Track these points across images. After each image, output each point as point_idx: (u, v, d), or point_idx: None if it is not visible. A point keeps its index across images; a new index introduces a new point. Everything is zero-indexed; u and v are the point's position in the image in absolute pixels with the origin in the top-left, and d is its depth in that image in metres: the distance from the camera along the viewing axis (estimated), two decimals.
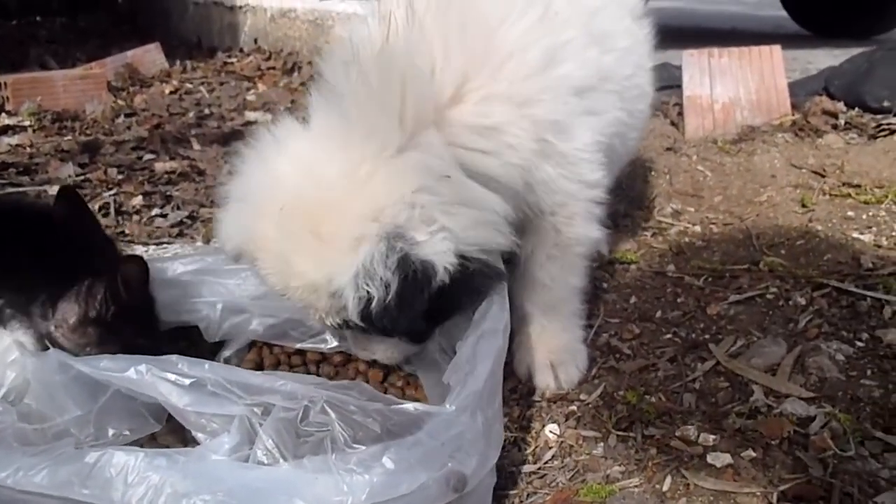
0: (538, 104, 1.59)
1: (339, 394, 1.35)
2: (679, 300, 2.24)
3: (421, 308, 1.45)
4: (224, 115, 4.68)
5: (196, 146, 4.03)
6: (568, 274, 1.89)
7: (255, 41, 6.23)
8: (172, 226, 2.93)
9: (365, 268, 1.39)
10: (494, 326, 1.48)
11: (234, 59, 6.04)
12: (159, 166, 3.65)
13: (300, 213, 1.46)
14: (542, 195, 1.69)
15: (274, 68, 5.69)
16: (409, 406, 1.34)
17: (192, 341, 1.81)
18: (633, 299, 2.26)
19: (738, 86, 3.47)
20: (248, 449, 1.30)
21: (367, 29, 1.60)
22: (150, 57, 5.52)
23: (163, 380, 1.36)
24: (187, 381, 1.36)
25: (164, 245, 2.67)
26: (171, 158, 3.81)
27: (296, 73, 5.56)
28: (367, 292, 1.39)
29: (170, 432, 1.51)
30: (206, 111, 4.72)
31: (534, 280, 1.86)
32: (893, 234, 2.48)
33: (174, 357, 1.39)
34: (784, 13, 7.69)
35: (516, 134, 1.55)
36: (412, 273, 1.40)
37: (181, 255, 2.01)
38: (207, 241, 2.61)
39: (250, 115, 4.63)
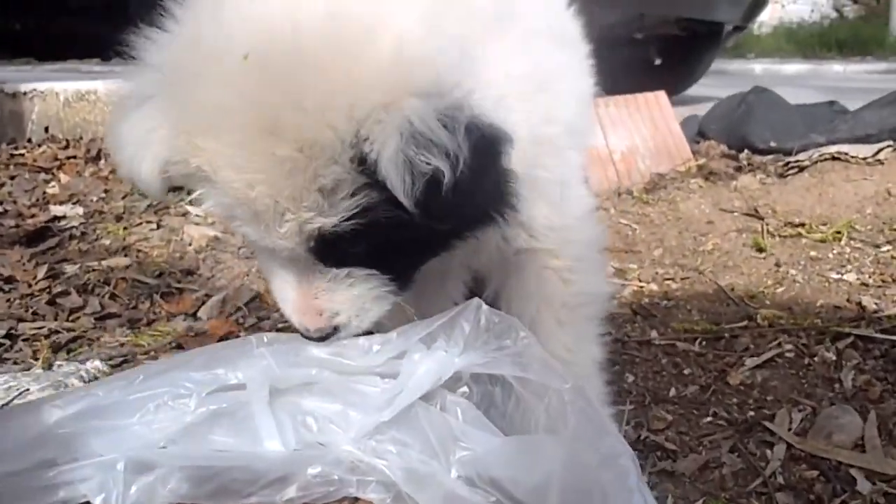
0: None
1: None
2: (686, 372, 1.82)
3: (496, 188, 1.08)
4: (22, 212, 3.85)
5: None
6: (586, 345, 1.46)
7: (46, 129, 5.38)
8: None
9: (415, 129, 0.96)
10: None
11: (23, 151, 5.15)
12: None
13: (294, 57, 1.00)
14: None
15: (75, 157, 4.87)
16: None
17: None
18: (629, 377, 1.81)
19: (633, 134, 3.22)
20: None
21: None
22: None
23: None
24: None
25: None
26: None
27: (102, 161, 4.78)
28: (426, 163, 0.96)
29: None
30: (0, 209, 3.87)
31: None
32: (873, 271, 2.22)
33: None
34: None
35: None
36: (484, 138, 1.00)
37: (52, 396, 1.36)
38: (48, 366, 1.89)
39: (56, 210, 3.85)
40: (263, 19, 1.03)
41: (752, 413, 1.63)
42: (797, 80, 11.29)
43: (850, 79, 12.91)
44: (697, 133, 3.75)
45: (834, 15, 20.56)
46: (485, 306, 1.19)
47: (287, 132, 0.99)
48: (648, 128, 3.24)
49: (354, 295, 1.17)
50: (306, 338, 1.21)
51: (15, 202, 4.01)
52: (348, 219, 1.03)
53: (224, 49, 1.02)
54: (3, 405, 1.59)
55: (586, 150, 1.56)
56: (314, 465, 1.26)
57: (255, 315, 2.35)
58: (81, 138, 5.14)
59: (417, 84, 0.99)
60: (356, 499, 1.29)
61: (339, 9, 1.03)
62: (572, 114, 1.33)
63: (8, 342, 2.21)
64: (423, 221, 1.00)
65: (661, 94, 3.35)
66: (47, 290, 2.61)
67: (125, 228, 3.42)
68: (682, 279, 2.32)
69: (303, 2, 1.04)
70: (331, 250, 1.10)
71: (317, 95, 0.98)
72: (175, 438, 1.21)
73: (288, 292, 1.19)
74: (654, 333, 2.00)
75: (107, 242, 3.26)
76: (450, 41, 1.05)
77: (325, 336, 1.20)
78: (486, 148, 1.00)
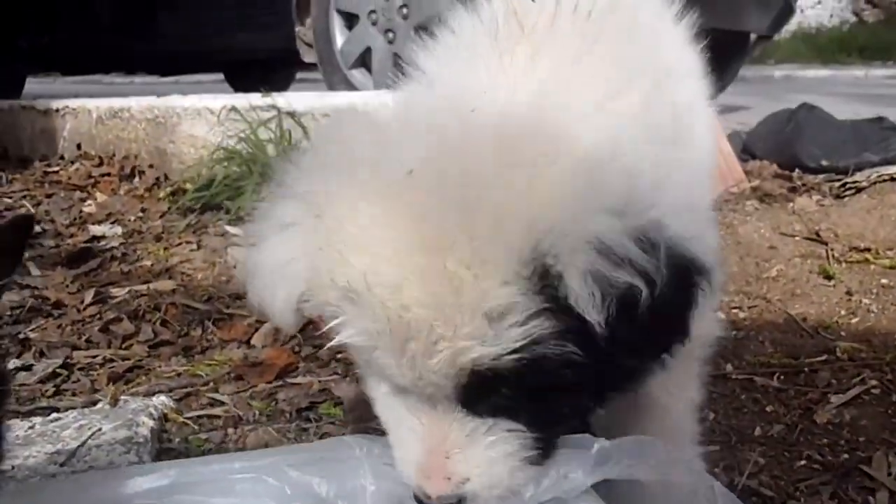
0: None
1: None
2: (769, 409, 1.77)
3: (684, 322, 0.95)
4: (61, 231, 3.85)
5: (35, 271, 3.20)
6: (688, 386, 1.39)
7: (79, 146, 5.37)
8: (42, 381, 2.13)
9: (606, 246, 0.87)
10: None
11: (56, 168, 5.16)
12: None
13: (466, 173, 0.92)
14: None
15: (109, 174, 4.87)
16: None
17: None
18: (710, 414, 1.76)
19: None
20: None
21: None
22: None
23: None
24: None
25: (47, 412, 1.87)
26: (8, 290, 2.94)
27: (137, 179, 4.77)
28: (619, 279, 0.87)
29: None
30: (37, 228, 3.85)
31: (647, 400, 1.33)
32: None
33: None
34: None
35: None
36: (684, 263, 0.91)
37: (130, 470, 1.32)
38: (115, 401, 1.85)
39: (95, 230, 3.83)
40: (429, 136, 0.97)
41: (846, 455, 1.57)
42: (818, 87, 11.21)
43: (872, 84, 12.82)
44: (743, 150, 3.69)
45: (853, 19, 20.40)
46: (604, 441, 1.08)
47: (454, 248, 0.89)
48: None
49: (491, 458, 0.98)
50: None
51: (53, 221, 4.00)
52: (514, 352, 0.89)
53: (385, 167, 0.94)
54: (78, 446, 1.56)
55: None
56: None
57: (311, 344, 2.31)
58: (114, 155, 5.13)
59: (608, 202, 0.89)
60: None
61: (517, 123, 0.97)
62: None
63: (65, 372, 2.18)
64: (606, 349, 0.88)
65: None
66: (97, 315, 2.59)
67: (166, 249, 3.40)
68: (749, 308, 2.27)
69: (474, 117, 0.98)
70: (481, 393, 0.95)
71: (491, 208, 0.88)
72: None
73: (413, 445, 1.01)
74: (729, 367, 1.94)
75: (148, 263, 3.23)
76: (641, 162, 0.97)
77: None
78: (685, 274, 0.91)
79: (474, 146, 0.94)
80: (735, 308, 2.28)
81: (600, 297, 0.86)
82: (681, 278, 0.89)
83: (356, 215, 0.93)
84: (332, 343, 1.00)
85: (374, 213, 0.92)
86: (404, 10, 4.73)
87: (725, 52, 6.81)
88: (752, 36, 7.08)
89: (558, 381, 0.93)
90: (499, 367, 0.90)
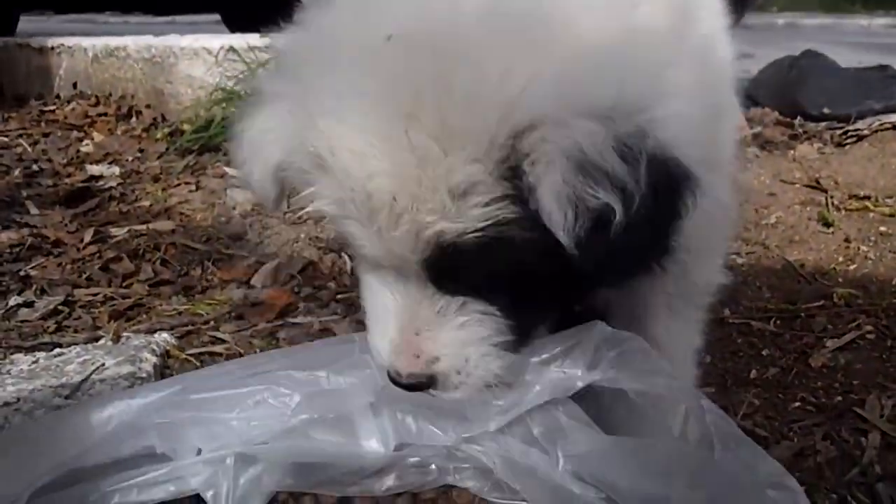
0: None
1: None
2: (764, 353, 1.78)
3: (666, 237, 0.94)
4: (58, 170, 3.83)
5: (34, 210, 3.19)
6: (689, 331, 1.41)
7: (75, 86, 5.32)
8: (43, 317, 2.14)
9: (586, 157, 0.84)
10: None
11: (52, 107, 5.11)
12: None
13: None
14: None
15: (105, 114, 4.83)
16: None
17: None
18: (707, 357, 1.78)
19: None
20: None
21: None
22: None
23: None
24: None
25: (50, 347, 1.88)
26: (6, 227, 2.95)
27: (134, 119, 4.73)
28: (594, 197, 0.84)
29: None
30: (35, 168, 3.84)
31: (647, 339, 1.32)
32: None
33: None
34: None
35: None
36: (668, 175, 0.88)
37: (136, 392, 1.33)
38: (117, 338, 1.86)
39: (93, 169, 3.81)
40: (415, 3, 0.94)
41: (839, 398, 1.59)
42: (821, 35, 11.09)
43: (875, 33, 12.68)
44: (745, 97, 3.66)
45: None
46: (608, 329, 1.12)
47: (426, 117, 0.86)
48: None
49: (462, 339, 1.00)
50: (394, 382, 1.05)
51: (50, 160, 3.99)
52: (477, 231, 0.89)
53: (364, 32, 0.92)
54: (83, 380, 1.58)
55: None
56: (412, 456, 1.24)
57: (311, 285, 2.32)
58: (111, 95, 5.08)
59: (596, 101, 0.86)
60: (453, 486, 1.27)
61: None
62: (733, 131, 1.26)
63: (66, 309, 2.19)
64: (577, 262, 0.87)
65: None
66: (97, 254, 2.59)
67: (164, 190, 3.38)
68: (747, 254, 2.28)
69: None
70: (448, 269, 0.95)
71: (470, 81, 0.86)
72: (275, 436, 1.18)
73: (385, 321, 1.03)
74: (726, 311, 1.95)
75: (147, 204, 3.22)
76: (640, 55, 0.93)
77: (416, 385, 1.03)
78: (668, 188, 0.87)
79: (460, 15, 0.90)
80: (734, 254, 2.28)
81: (573, 216, 0.84)
82: (664, 190, 0.87)
83: (332, 81, 0.92)
84: (305, 210, 1.01)
85: (348, 78, 0.91)
86: None
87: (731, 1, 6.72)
88: None
89: (526, 266, 0.93)
90: (463, 244, 0.90)
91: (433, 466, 1.23)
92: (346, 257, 2.38)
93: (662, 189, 0.86)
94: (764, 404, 1.59)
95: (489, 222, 0.89)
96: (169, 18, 10.18)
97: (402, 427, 1.17)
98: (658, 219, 0.89)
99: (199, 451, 1.10)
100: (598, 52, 0.91)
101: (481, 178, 0.88)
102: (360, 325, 1.15)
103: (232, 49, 3.93)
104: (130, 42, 4.93)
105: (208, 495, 1.08)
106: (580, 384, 1.09)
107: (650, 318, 1.35)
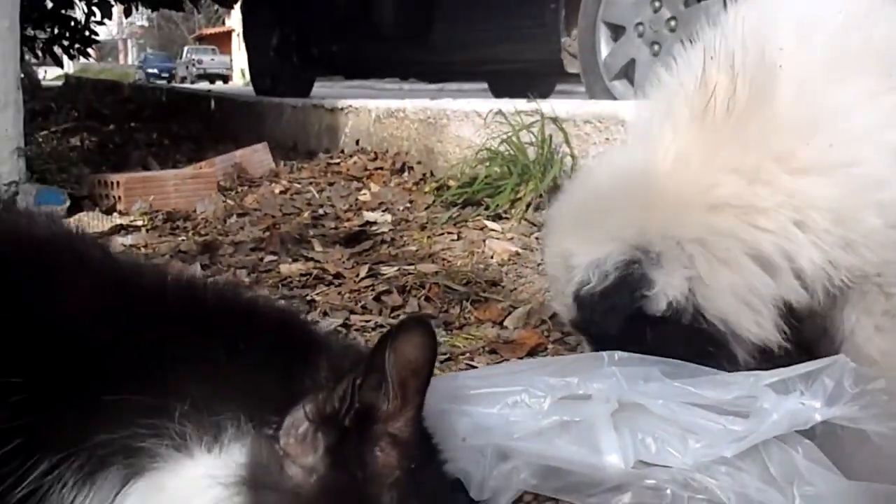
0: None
1: None
2: None
3: (621, 312, 1.47)
4: (340, 215, 4.29)
5: (318, 247, 3.61)
6: None
7: (357, 142, 5.92)
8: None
9: (599, 259, 1.49)
10: None
11: (337, 160, 5.73)
12: (285, 268, 3.23)
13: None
14: (864, 253, 1.46)
15: (381, 168, 5.34)
16: None
17: None
18: None
19: None
20: None
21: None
22: (257, 157, 5.22)
23: None
24: None
25: None
26: (295, 260, 3.38)
27: (406, 173, 5.19)
28: (588, 276, 1.50)
29: None
30: (321, 211, 4.34)
31: (858, 356, 1.44)
32: None
33: None
34: None
35: None
36: (629, 279, 1.46)
37: None
38: None
39: (368, 216, 4.22)
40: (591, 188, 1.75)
41: None
42: None
43: None
44: None
45: None
46: (851, 364, 1.18)
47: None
48: None
49: None
50: None
51: (333, 206, 4.47)
52: None
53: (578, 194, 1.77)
54: None
55: None
56: (649, 478, 1.32)
57: (560, 330, 2.45)
58: (387, 151, 5.61)
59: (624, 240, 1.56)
60: None
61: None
62: None
63: (344, 331, 2.49)
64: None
65: None
66: (371, 287, 2.90)
67: (429, 237, 3.69)
68: None
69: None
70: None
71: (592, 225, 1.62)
72: (526, 436, 1.32)
73: None
74: None
75: (413, 248, 3.54)
76: None
77: None
78: (625, 283, 1.49)
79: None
80: None
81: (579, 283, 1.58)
82: (617, 283, 1.53)
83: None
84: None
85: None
86: (672, 23, 4.76)
87: None
88: None
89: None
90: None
91: (668, 491, 1.31)
92: None
93: (619, 284, 1.52)
94: None
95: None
96: (438, 85, 10.95)
97: (642, 445, 1.27)
98: (610, 297, 1.52)
99: (464, 440, 1.27)
100: None
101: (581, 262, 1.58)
102: None
103: (500, 112, 4.22)
104: (409, 104, 5.43)
105: (468, 480, 1.23)
106: (818, 417, 1.14)
107: (860, 338, 1.47)
